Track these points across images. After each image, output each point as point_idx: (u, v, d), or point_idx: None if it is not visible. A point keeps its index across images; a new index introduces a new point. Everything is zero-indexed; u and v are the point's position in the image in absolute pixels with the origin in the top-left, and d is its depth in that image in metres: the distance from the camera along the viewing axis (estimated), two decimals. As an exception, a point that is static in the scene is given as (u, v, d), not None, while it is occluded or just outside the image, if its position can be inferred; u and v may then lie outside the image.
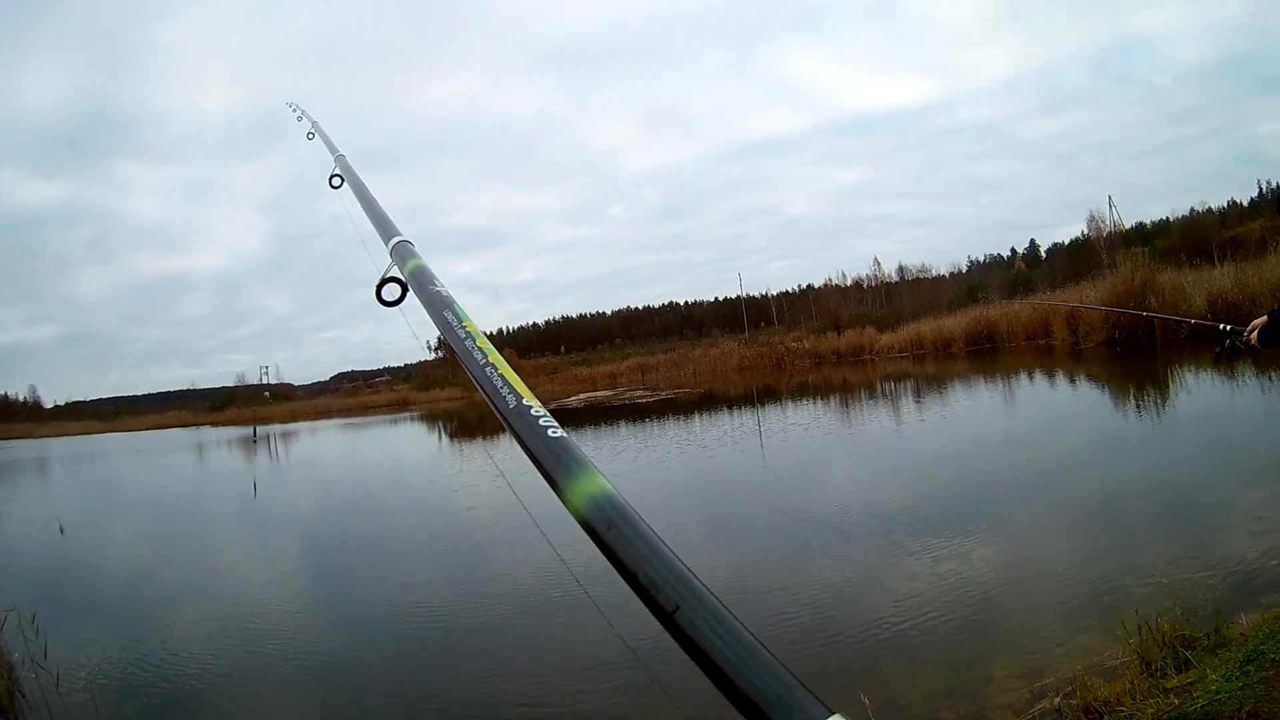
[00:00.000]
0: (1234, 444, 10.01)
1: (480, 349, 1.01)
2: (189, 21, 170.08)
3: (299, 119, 3.25)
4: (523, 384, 0.92)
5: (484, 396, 0.95)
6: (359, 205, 1.98)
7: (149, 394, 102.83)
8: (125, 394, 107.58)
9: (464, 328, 1.12)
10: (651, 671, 4.62)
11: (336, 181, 2.33)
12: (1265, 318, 3.45)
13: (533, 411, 0.87)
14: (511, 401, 0.90)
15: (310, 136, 3.03)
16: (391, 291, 1.39)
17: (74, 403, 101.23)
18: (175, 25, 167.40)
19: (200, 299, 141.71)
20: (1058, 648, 4.90)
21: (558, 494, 0.79)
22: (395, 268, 1.42)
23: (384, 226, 1.70)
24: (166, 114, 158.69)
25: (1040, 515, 8.21)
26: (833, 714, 0.54)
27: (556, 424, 0.85)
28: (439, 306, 1.22)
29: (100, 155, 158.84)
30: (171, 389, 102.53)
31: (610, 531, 0.72)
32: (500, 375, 0.95)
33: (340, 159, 2.39)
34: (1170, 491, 8.26)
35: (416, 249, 1.47)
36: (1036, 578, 6.27)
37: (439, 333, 1.19)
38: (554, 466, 0.81)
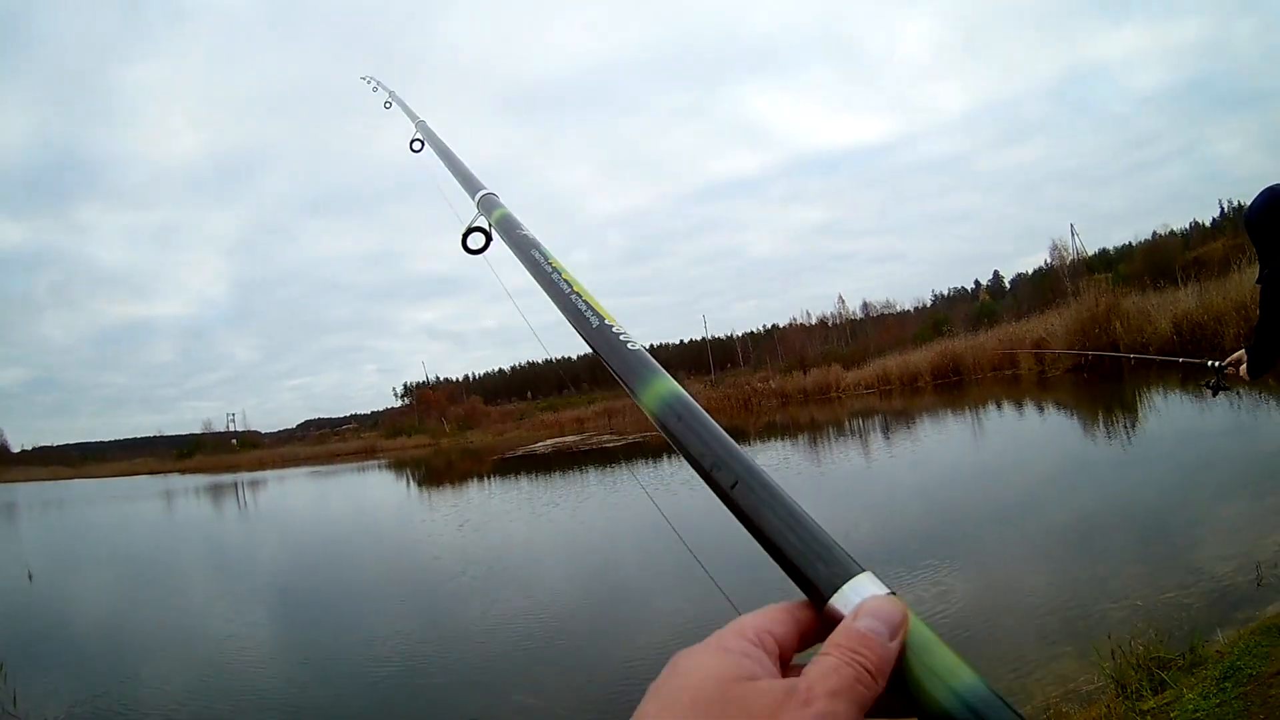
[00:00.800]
0: (1201, 462, 10.08)
1: (565, 280, 1.13)
2: (154, 65, 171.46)
3: (375, 90, 3.43)
4: (601, 306, 1.03)
5: (570, 320, 1.07)
6: (441, 165, 2.06)
7: (116, 440, 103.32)
8: (93, 439, 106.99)
9: (550, 264, 1.22)
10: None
11: (417, 146, 2.42)
12: (1243, 352, 3.44)
13: (613, 330, 0.98)
14: (594, 322, 1.01)
15: (387, 105, 3.16)
16: (476, 240, 1.51)
17: (41, 448, 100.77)
18: (141, 69, 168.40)
19: (165, 345, 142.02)
20: (1032, 674, 4.82)
21: (634, 397, 0.87)
22: (481, 218, 1.53)
23: (469, 182, 1.77)
24: (131, 158, 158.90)
25: (1012, 544, 8.19)
26: (864, 570, 0.62)
27: (633, 338, 0.95)
28: (526, 247, 1.30)
29: (65, 199, 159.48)
30: (138, 435, 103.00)
31: (679, 424, 0.80)
32: (584, 301, 1.06)
33: (421, 124, 2.46)
34: (1141, 513, 8.27)
35: (501, 200, 1.57)
36: (1010, 606, 6.21)
37: (526, 271, 1.28)
38: (631, 374, 0.91)
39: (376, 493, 29.39)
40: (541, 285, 1.21)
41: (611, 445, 30.87)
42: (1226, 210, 47.82)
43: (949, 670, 0.56)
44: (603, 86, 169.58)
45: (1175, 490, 9.07)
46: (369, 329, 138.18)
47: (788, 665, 0.60)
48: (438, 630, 8.41)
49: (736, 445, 0.75)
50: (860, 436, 21.53)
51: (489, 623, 8.27)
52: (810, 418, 29.96)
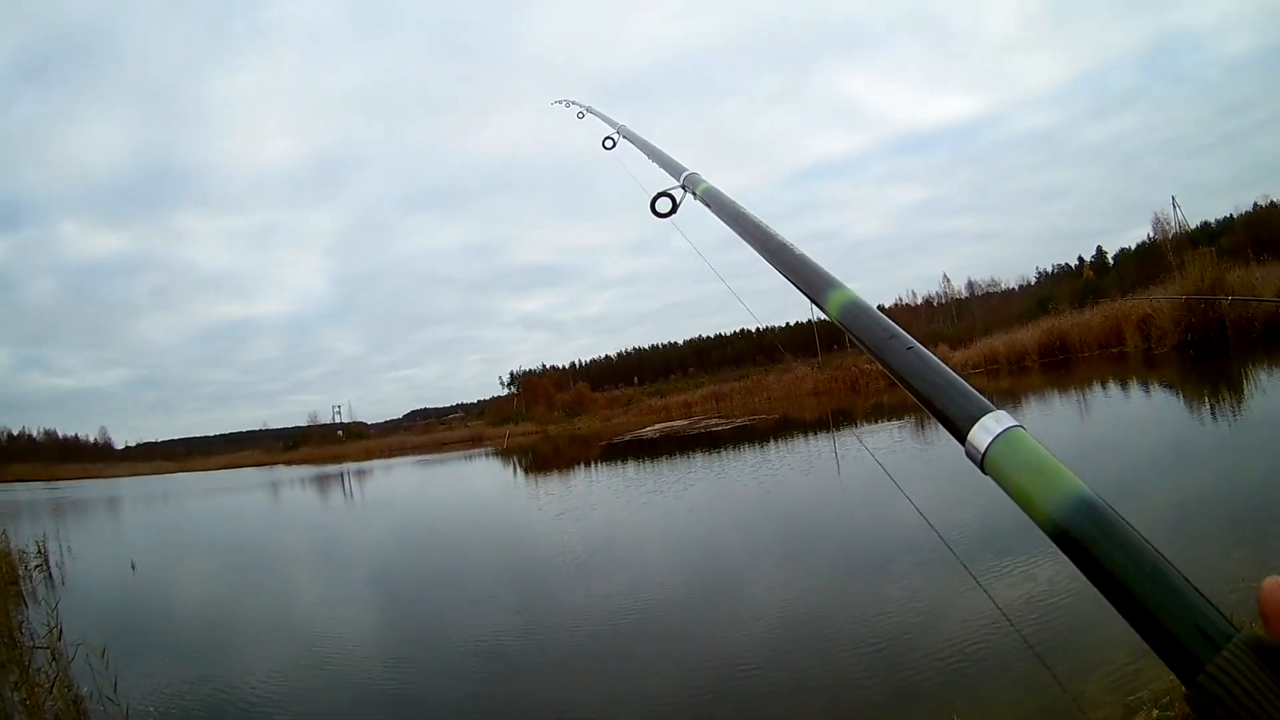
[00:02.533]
0: None
1: (770, 233, 1.44)
2: (245, 75, 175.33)
3: (567, 107, 3.95)
4: (795, 249, 1.34)
5: (768, 257, 1.39)
6: (641, 156, 2.56)
7: (221, 434, 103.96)
8: (197, 435, 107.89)
9: (753, 219, 1.54)
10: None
11: (609, 144, 2.95)
12: None
13: (806, 260, 1.29)
14: (789, 258, 1.33)
15: (581, 116, 3.68)
16: (663, 205, 1.94)
17: (145, 443, 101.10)
18: (232, 79, 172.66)
19: (269, 342, 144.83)
20: (1146, 658, 4.93)
21: (820, 306, 1.17)
22: (674, 188, 1.96)
23: (670, 167, 2.13)
24: (227, 165, 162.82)
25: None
26: (994, 409, 0.80)
27: (820, 266, 1.24)
28: (730, 209, 1.69)
29: (163, 207, 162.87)
30: (244, 429, 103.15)
31: (855, 320, 1.06)
32: (781, 240, 1.39)
33: (622, 128, 2.97)
34: (1256, 494, 7.99)
35: (703, 176, 1.94)
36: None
37: (728, 227, 1.63)
38: (816, 288, 1.19)
39: (484, 480, 29.41)
40: (746, 235, 1.51)
41: (719, 429, 31.01)
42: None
43: (1056, 478, 0.71)
44: (694, 73, 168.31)
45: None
46: (472, 320, 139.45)
47: None
48: (547, 620, 8.22)
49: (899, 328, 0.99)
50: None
51: (600, 608, 8.24)
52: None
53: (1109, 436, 13.88)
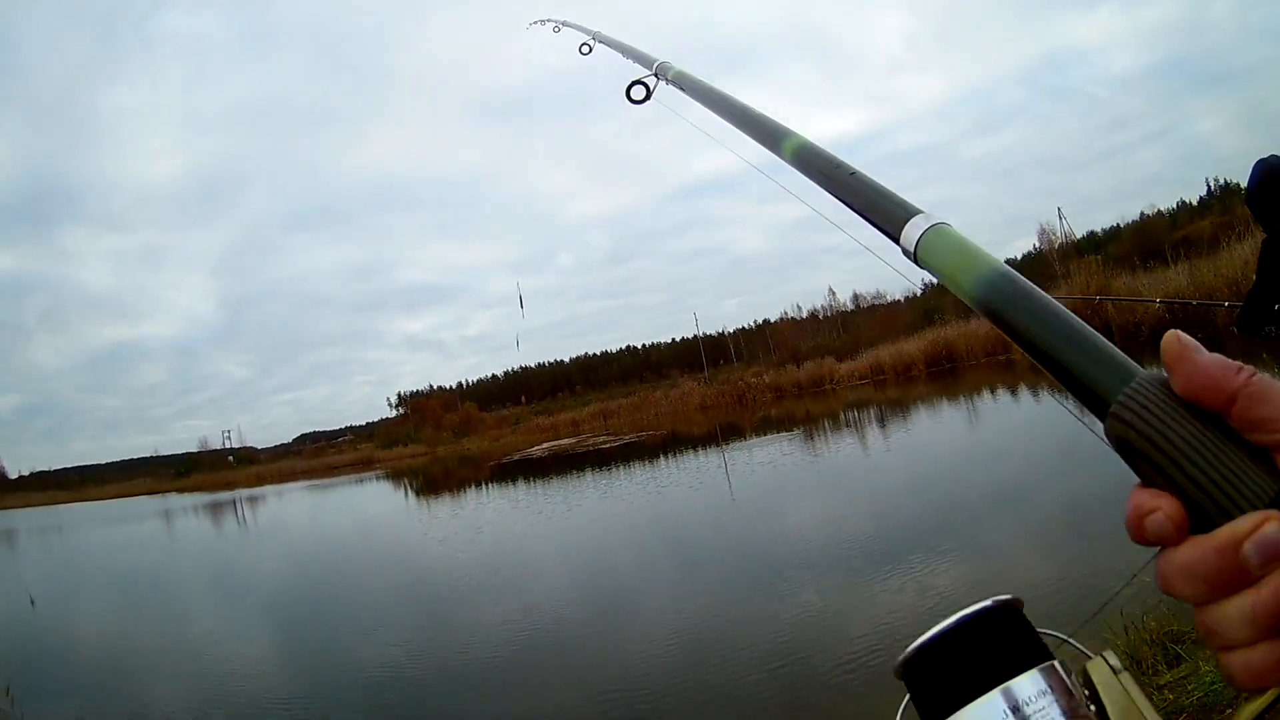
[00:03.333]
0: None
1: (735, 101, 1.48)
2: (131, 90, 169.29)
3: (543, 25, 3.82)
4: (754, 110, 1.40)
5: (747, 132, 1.39)
6: (617, 56, 2.44)
7: (113, 462, 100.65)
8: (89, 463, 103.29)
9: (720, 92, 1.57)
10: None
11: (586, 50, 2.92)
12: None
13: (765, 119, 1.34)
14: (751, 117, 1.38)
15: (557, 30, 3.61)
16: (638, 92, 1.94)
17: (38, 473, 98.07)
18: (118, 94, 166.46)
19: (157, 366, 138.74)
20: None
21: (778, 154, 1.25)
22: (647, 76, 1.95)
23: (644, 60, 2.08)
24: (115, 181, 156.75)
25: (1010, 530, 8.21)
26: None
27: (774, 120, 1.32)
28: (701, 87, 1.69)
29: (48, 224, 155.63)
30: (135, 455, 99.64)
31: (806, 163, 1.17)
32: (757, 114, 1.39)
33: (597, 34, 2.89)
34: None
35: (674, 64, 1.92)
36: (1013, 590, 6.12)
37: (703, 106, 1.62)
38: (775, 140, 1.27)
39: (376, 505, 29.35)
40: (721, 113, 1.53)
41: (608, 446, 30.89)
42: (1214, 188, 47.78)
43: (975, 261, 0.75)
44: (576, 89, 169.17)
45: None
46: (358, 340, 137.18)
47: None
48: (443, 641, 8.37)
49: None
50: (856, 428, 21.61)
51: (496, 630, 8.25)
52: (805, 410, 30.01)
53: (994, 443, 14.27)
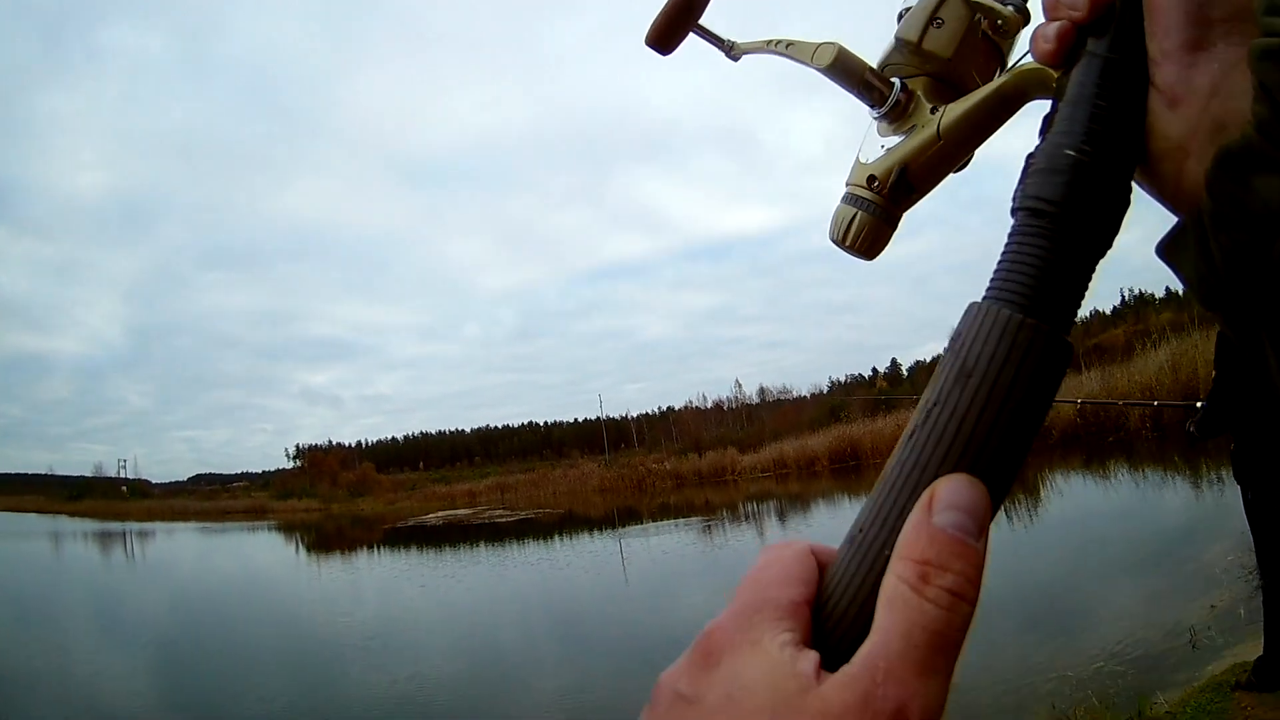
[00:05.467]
0: (1103, 538, 10.25)
1: None
2: (69, 97, 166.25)
3: None
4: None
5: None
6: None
7: (7, 473, 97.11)
8: None
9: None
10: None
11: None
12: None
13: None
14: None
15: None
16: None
17: None
18: (55, 99, 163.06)
19: (61, 382, 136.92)
20: None
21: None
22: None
23: None
24: (40, 185, 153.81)
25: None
26: None
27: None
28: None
29: None
30: (29, 470, 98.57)
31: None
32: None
33: None
34: (1053, 590, 8.30)
35: None
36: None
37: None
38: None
39: (266, 556, 28.87)
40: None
41: (503, 520, 30.34)
42: (1127, 298, 49.98)
43: None
44: (494, 162, 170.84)
45: (1083, 566, 9.19)
46: (260, 386, 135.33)
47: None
48: (310, 709, 8.15)
49: None
50: (754, 519, 21.76)
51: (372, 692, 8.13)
52: (705, 499, 29.79)
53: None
